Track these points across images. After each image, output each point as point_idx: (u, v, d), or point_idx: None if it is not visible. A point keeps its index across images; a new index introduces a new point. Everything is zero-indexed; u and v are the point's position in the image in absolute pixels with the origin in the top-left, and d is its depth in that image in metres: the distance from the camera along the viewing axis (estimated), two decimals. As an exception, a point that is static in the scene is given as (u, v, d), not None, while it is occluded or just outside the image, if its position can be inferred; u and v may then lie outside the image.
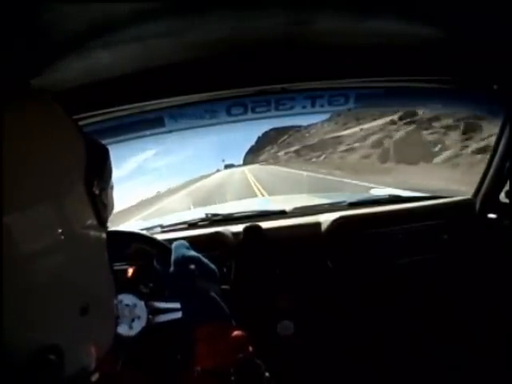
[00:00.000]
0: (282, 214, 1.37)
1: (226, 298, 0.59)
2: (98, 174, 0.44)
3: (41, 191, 0.35)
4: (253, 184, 12.74)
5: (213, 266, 0.65)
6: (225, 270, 1.14)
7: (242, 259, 1.17)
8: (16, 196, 0.33)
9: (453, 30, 0.76)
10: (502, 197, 1.21)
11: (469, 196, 1.31)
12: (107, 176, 0.48)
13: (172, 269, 0.61)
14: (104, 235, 0.45)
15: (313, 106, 1.09)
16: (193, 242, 0.64)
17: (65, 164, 0.39)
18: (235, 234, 1.20)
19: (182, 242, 0.64)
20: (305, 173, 13.64)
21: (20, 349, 0.33)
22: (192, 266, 0.60)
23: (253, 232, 1.18)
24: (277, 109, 1.08)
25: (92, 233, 0.42)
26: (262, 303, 1.18)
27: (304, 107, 1.10)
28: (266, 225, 1.21)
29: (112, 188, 0.50)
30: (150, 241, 0.71)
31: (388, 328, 1.26)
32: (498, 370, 1.15)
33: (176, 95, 0.89)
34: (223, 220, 1.34)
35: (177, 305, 0.63)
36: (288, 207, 1.40)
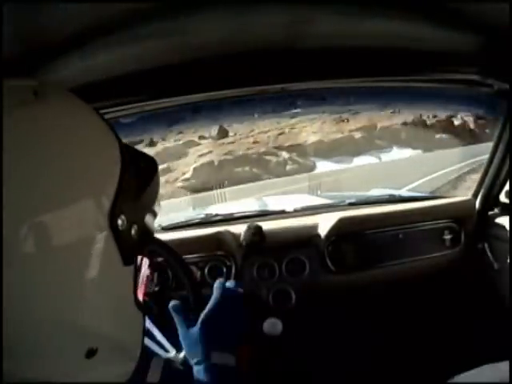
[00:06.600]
0: (281, 213, 1.37)
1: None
2: (133, 199, 0.34)
3: (48, 210, 0.29)
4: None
5: None
6: (225, 270, 1.14)
7: (242, 259, 1.17)
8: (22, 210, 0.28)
9: (453, 29, 0.76)
10: (502, 197, 1.21)
11: (469, 196, 1.31)
12: (147, 202, 0.36)
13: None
14: (129, 273, 0.36)
15: (313, 105, 1.10)
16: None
17: (87, 182, 0.31)
18: (235, 234, 1.20)
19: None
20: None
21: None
22: None
23: (253, 232, 1.18)
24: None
25: (112, 273, 0.34)
26: (260, 303, 1.17)
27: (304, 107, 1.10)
28: (266, 225, 1.21)
29: (153, 217, 0.39)
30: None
31: (388, 328, 1.26)
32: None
33: (176, 95, 0.89)
34: (223, 220, 1.34)
35: (168, 344, 0.55)
36: (288, 207, 1.40)
